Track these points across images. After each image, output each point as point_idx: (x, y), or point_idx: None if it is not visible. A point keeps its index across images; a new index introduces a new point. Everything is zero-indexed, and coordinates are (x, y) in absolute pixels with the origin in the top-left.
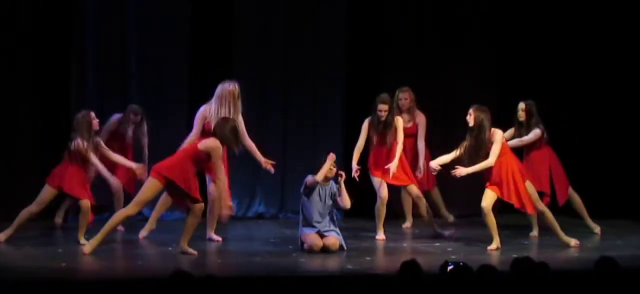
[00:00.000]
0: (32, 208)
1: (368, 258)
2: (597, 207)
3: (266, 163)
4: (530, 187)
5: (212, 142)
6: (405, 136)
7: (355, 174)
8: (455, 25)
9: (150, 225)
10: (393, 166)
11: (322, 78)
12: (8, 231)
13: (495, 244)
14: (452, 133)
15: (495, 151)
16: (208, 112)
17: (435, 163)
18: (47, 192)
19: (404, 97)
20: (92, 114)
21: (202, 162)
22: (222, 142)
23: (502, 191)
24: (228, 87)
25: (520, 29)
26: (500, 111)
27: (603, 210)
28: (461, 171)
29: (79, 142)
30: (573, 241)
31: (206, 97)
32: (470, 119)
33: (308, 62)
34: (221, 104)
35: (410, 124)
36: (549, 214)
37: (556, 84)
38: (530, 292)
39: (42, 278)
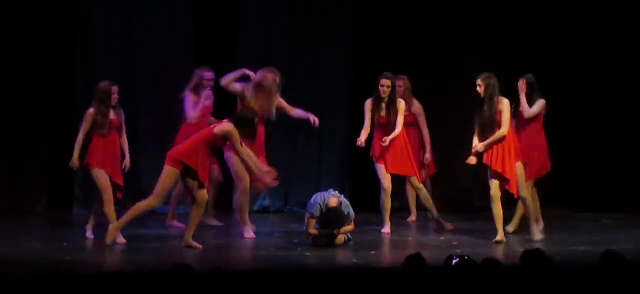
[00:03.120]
0: (107, 197)
1: (373, 252)
2: (601, 200)
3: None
4: (519, 170)
5: (227, 127)
6: (404, 124)
7: (359, 144)
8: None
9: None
10: (389, 138)
11: (328, 71)
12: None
13: (499, 236)
14: (455, 117)
15: (506, 119)
16: (247, 90)
17: (480, 147)
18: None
19: (398, 84)
20: (115, 87)
21: (217, 145)
22: (236, 129)
23: (491, 160)
24: (270, 76)
25: (523, 18)
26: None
27: (606, 203)
28: (478, 147)
29: (90, 111)
30: (539, 236)
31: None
32: (481, 90)
33: (314, 55)
34: (256, 92)
35: (406, 113)
36: (529, 202)
37: (559, 78)
38: (535, 286)
39: (46, 272)
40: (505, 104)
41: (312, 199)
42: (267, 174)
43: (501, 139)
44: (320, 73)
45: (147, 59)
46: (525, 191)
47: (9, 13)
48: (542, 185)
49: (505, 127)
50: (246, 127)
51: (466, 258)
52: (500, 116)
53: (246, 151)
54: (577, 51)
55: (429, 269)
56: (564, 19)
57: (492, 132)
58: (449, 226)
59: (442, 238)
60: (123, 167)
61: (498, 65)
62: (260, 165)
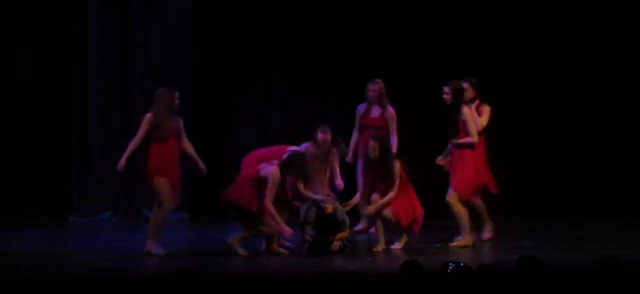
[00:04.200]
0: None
1: (369, 258)
2: (596, 205)
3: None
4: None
5: (271, 169)
6: (373, 127)
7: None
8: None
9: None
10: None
11: (326, 73)
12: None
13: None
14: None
15: (473, 129)
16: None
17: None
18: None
19: (373, 88)
20: (176, 93)
21: (262, 187)
22: (281, 171)
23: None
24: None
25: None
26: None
27: (602, 208)
28: (453, 143)
29: (148, 116)
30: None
31: (211, 99)
32: (448, 98)
33: (310, 62)
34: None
35: (379, 115)
36: (457, 209)
37: (561, 83)
38: (531, 292)
39: (39, 278)
40: (467, 112)
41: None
42: (281, 229)
43: (471, 146)
44: (319, 74)
45: (144, 62)
46: (451, 197)
47: (7, 15)
48: (537, 190)
49: (476, 135)
50: (294, 168)
51: (462, 264)
52: (462, 123)
53: (268, 202)
54: (574, 52)
55: (425, 275)
56: (565, 20)
57: (455, 138)
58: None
59: (439, 245)
60: (200, 171)
61: (494, 66)
62: (277, 223)
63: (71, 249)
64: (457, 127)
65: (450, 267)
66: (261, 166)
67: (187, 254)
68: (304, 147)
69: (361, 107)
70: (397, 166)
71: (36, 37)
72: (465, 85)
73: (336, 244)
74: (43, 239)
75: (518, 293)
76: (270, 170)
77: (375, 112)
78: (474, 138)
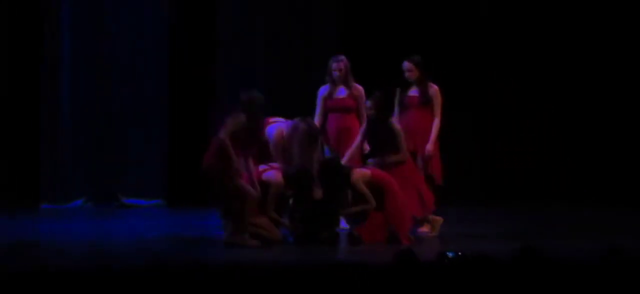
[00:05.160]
0: None
1: (361, 248)
2: (602, 195)
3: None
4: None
5: (275, 179)
6: (340, 109)
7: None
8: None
9: None
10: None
11: (314, 73)
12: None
13: None
14: None
15: (404, 146)
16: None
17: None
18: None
19: (338, 67)
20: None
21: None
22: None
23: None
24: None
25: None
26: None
27: (608, 197)
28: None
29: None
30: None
31: (189, 91)
32: (371, 113)
33: (298, 50)
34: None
35: (346, 95)
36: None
37: (561, 83)
38: (526, 282)
39: (10, 270)
40: (399, 129)
41: None
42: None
43: (402, 162)
44: (309, 69)
45: (119, 48)
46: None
47: None
48: (536, 190)
49: (405, 152)
50: (295, 185)
51: (458, 253)
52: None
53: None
54: (574, 52)
55: (420, 265)
56: (565, 20)
57: (384, 147)
58: None
59: (434, 235)
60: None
61: (494, 66)
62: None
63: (42, 237)
64: (387, 143)
65: (448, 255)
66: (262, 167)
67: (164, 242)
68: (290, 123)
69: (323, 90)
70: (360, 180)
71: (5, 20)
72: (408, 65)
73: (324, 234)
74: (13, 227)
75: (515, 283)
76: (274, 178)
77: (341, 92)
78: (404, 155)
